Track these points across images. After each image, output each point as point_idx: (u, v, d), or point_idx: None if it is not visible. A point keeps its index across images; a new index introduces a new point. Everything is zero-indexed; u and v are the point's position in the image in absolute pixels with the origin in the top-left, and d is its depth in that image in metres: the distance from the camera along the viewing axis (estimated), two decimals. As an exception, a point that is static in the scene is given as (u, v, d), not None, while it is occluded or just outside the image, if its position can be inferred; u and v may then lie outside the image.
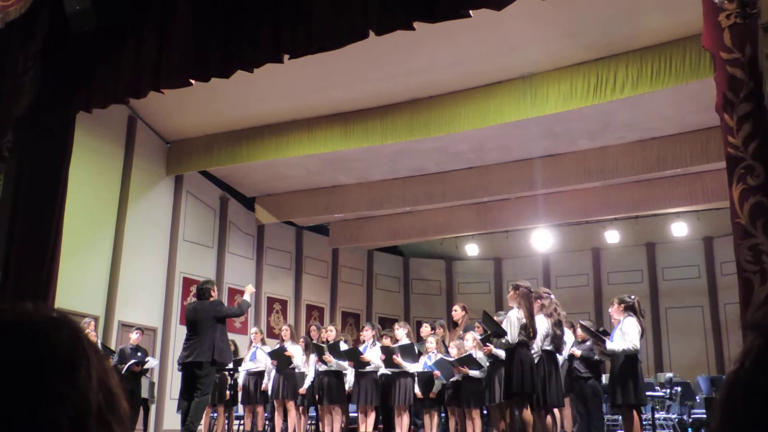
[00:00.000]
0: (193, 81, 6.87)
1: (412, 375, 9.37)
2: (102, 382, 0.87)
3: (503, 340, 7.43)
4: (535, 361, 7.30)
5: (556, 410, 7.99)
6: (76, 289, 10.87)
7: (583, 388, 8.77)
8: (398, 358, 9.23)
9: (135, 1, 7.05)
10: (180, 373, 10.94)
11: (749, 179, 4.21)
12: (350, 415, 10.55)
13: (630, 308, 7.46)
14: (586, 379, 8.76)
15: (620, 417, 7.76)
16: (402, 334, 9.66)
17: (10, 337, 0.84)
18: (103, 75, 7.09)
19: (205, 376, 7.93)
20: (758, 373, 0.77)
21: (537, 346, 7.39)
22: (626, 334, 7.24)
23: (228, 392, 10.58)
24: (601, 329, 8.35)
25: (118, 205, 12.29)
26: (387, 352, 9.33)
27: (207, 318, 8.03)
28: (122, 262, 12.07)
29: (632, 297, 7.61)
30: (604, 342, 7.51)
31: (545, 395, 7.30)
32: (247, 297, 8.73)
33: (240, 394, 10.84)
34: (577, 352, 8.74)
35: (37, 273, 6.93)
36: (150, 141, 12.94)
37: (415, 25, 5.81)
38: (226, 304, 8.73)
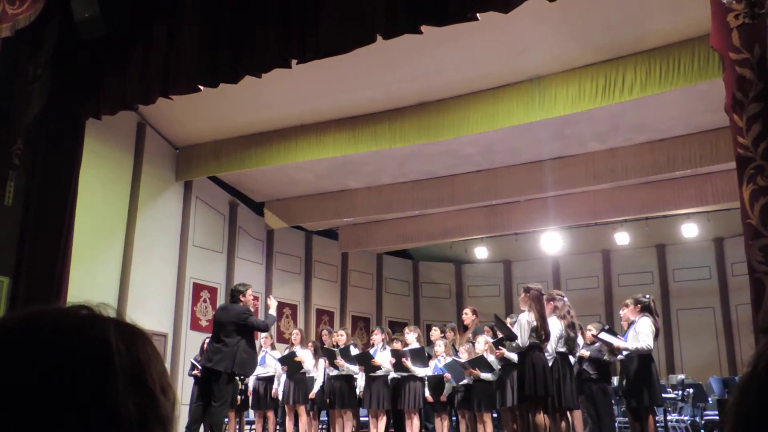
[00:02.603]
0: (201, 87, 6.90)
1: (421, 378, 9.35)
2: (137, 384, 0.79)
3: (514, 344, 7.41)
4: (549, 364, 7.27)
5: (568, 413, 7.95)
6: (86, 295, 10.64)
7: (592, 389, 8.73)
8: (407, 362, 9.21)
9: (143, 9, 7.08)
10: (191, 377, 11.02)
11: (759, 179, 4.19)
12: (361, 419, 10.55)
13: (646, 308, 7.41)
14: (595, 381, 8.72)
15: (629, 419, 7.70)
16: (412, 338, 9.64)
17: (25, 349, 0.77)
18: (112, 82, 7.13)
19: (222, 385, 7.70)
20: (772, 376, 0.76)
21: (551, 348, 7.35)
22: (640, 334, 7.20)
23: (239, 397, 10.58)
24: (606, 327, 8.30)
25: (128, 211, 12.31)
26: (397, 355, 9.32)
27: (230, 323, 7.73)
28: (132, 267, 12.09)
29: (647, 296, 7.56)
30: (611, 344, 7.46)
31: (560, 398, 7.26)
32: (273, 312, 8.31)
33: (250, 398, 10.86)
34: (586, 354, 8.71)
35: (47, 279, 6.97)
36: (159, 147, 12.97)
37: (423, 28, 5.81)
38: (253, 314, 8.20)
